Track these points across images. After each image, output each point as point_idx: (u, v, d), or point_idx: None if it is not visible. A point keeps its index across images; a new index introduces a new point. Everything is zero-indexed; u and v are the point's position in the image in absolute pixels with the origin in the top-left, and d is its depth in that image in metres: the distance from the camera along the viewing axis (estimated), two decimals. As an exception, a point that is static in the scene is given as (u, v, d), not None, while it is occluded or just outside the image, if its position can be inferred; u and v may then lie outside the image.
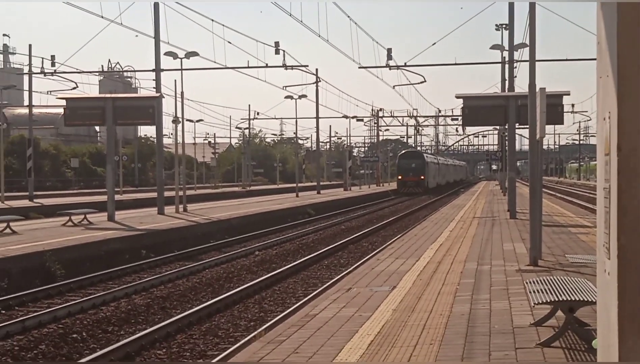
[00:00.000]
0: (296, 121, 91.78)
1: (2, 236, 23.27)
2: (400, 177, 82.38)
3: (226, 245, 27.53)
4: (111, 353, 11.45)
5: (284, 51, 44.84)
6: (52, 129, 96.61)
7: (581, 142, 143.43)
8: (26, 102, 56.72)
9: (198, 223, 30.46)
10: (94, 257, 21.18)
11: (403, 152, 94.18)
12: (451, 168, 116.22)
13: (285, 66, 45.53)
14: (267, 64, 45.77)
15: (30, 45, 50.22)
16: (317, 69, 64.14)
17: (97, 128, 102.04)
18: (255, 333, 12.27)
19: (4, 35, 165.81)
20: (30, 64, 51.25)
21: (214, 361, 10.72)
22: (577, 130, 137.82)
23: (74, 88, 50.82)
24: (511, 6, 32.07)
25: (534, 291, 9.35)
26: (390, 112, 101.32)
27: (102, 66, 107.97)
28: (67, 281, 18.16)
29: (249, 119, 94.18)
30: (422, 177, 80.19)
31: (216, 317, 14.63)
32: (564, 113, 26.28)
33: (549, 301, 8.87)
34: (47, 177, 78.35)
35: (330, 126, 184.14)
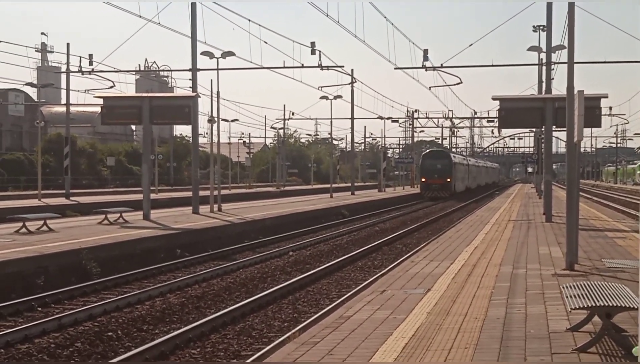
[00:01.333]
0: (331, 121, 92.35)
1: (39, 234, 23.48)
2: (423, 179, 73.31)
3: (260, 245, 27.59)
4: (146, 352, 11.52)
5: (319, 51, 44.78)
6: (89, 127, 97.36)
7: (618, 145, 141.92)
8: (64, 100, 57.34)
9: (232, 222, 30.56)
10: (130, 255, 21.33)
11: (427, 151, 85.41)
12: (483, 170, 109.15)
13: (321, 66, 45.42)
14: (302, 64, 45.72)
15: (68, 44, 50.63)
16: (352, 70, 64.02)
17: (133, 127, 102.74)
18: (289, 333, 12.29)
19: (42, 33, 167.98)
20: (68, 63, 51.66)
21: (248, 361, 10.74)
22: (615, 133, 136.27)
23: (111, 87, 51.14)
24: (549, 7, 31.82)
25: (570, 296, 9.29)
26: (426, 113, 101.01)
27: (139, 65, 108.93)
28: (102, 280, 18.30)
29: (284, 119, 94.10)
30: (449, 180, 71.53)
31: (250, 317, 14.67)
32: (602, 116, 25.99)
33: (585, 306, 8.79)
34: (84, 175, 79.01)
35: (365, 127, 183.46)
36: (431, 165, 72.21)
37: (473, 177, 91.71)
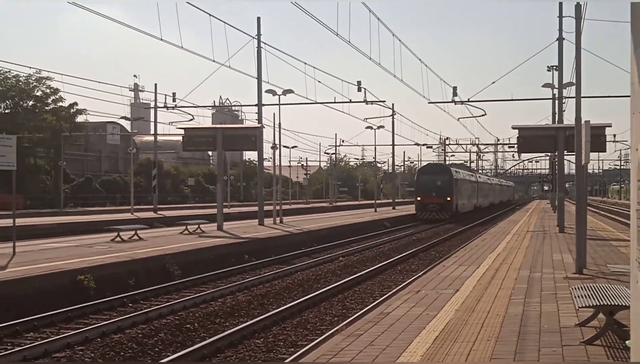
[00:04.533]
0: (375, 148, 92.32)
1: (131, 242, 23.78)
2: (419, 198, 52.71)
3: (315, 251, 27.60)
4: (218, 341, 11.55)
5: (364, 88, 44.83)
6: (173, 153, 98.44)
7: (622, 167, 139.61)
8: (152, 131, 57.99)
9: (291, 233, 30.63)
10: (205, 260, 21.48)
11: (424, 165, 65.17)
12: (497, 187, 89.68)
13: (366, 101, 45.49)
14: (350, 100, 45.92)
15: (155, 85, 51.49)
16: (393, 104, 63.96)
17: (209, 152, 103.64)
18: (338, 327, 12.24)
19: (134, 75, 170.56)
20: (155, 100, 52.54)
21: (287, 360, 10.62)
22: (619, 157, 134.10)
23: (191, 119, 51.80)
24: (560, 50, 31.50)
25: (578, 296, 9.21)
26: (456, 140, 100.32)
27: (214, 101, 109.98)
28: (182, 280, 18.46)
29: (336, 146, 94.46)
30: (449, 199, 51.82)
31: (305, 312, 14.67)
32: (607, 143, 25.61)
33: (592, 305, 8.76)
34: (168, 193, 79.86)
35: (404, 152, 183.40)
36: (428, 182, 52.91)
37: (484, 194, 72.94)
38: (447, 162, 76.13)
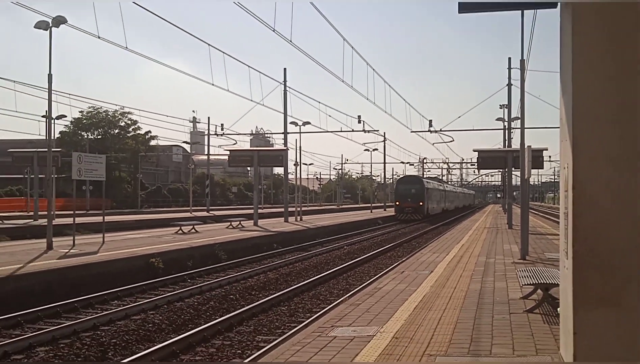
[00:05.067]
0: (371, 165, 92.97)
1: (190, 234, 23.83)
2: (397, 203, 51.09)
3: (326, 241, 27.47)
4: (254, 308, 11.53)
5: (363, 121, 44.82)
6: (221, 168, 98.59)
7: (555, 180, 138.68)
8: (205, 152, 58.17)
9: (308, 228, 30.57)
10: (245, 247, 21.48)
11: (401, 176, 61.61)
12: (460, 195, 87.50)
13: (364, 131, 45.42)
14: (352, 129, 45.71)
15: (208, 117, 52.98)
16: (384, 132, 63.91)
17: (248, 168, 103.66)
18: (342, 298, 12.23)
19: (193, 111, 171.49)
20: (208, 129, 52.69)
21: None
22: (553, 173, 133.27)
23: (234, 143, 51.73)
24: (509, 93, 31.26)
25: (522, 276, 9.18)
26: (431, 160, 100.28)
27: (252, 129, 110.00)
28: (227, 262, 18.45)
29: (342, 163, 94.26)
30: (421, 203, 49.86)
31: (319, 287, 14.65)
32: (544, 162, 25.48)
33: (532, 283, 8.73)
34: (218, 197, 79.88)
35: (392, 168, 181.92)
36: (405, 190, 50.75)
37: (450, 200, 70.54)
38: (425, 176, 72.76)
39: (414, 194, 49.99)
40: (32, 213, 34.19)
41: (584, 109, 3.55)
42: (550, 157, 77.78)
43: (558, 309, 7.54)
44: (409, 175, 61.86)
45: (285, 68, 36.17)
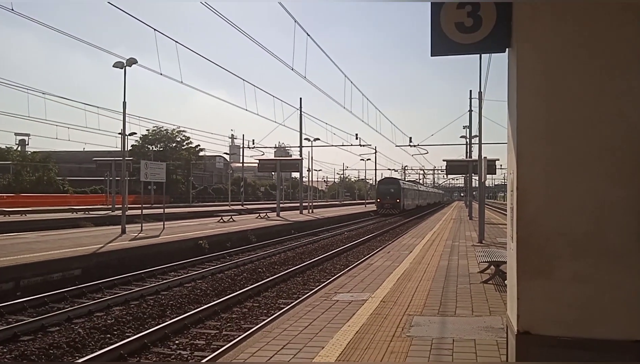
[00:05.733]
0: (365, 171, 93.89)
1: (229, 223, 23.85)
2: (379, 200, 47.78)
3: (331, 229, 27.35)
4: (276, 278, 11.46)
5: (360, 138, 44.95)
6: (252, 173, 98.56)
7: (505, 182, 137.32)
8: (240, 161, 58.35)
9: (318, 218, 30.45)
10: (270, 233, 21.43)
11: (382, 178, 55.52)
12: (432, 194, 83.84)
13: (360, 145, 45.44)
14: (351, 144, 45.96)
15: (243, 134, 53.70)
16: (375, 146, 64.58)
17: (272, 172, 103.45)
18: (343, 272, 12.22)
19: (231, 129, 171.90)
20: (242, 143, 52.86)
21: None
22: (503, 177, 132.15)
23: (262, 154, 51.78)
24: (470, 117, 31.15)
25: (479, 255, 9.14)
26: (411, 167, 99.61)
27: (275, 144, 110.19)
28: (256, 244, 18.39)
29: (343, 169, 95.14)
30: (398, 200, 46.88)
31: (325, 263, 14.61)
32: (497, 169, 25.38)
33: (487, 261, 8.67)
34: (249, 195, 79.97)
35: (382, 174, 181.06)
36: (385, 189, 47.64)
37: (423, 198, 67.41)
38: (406, 179, 70.49)
39: (392, 192, 47.41)
40: (110, 206, 34.45)
41: (525, 128, 3.58)
42: (501, 165, 76.25)
43: (506, 281, 7.56)
44: (388, 177, 58.29)
45: (300, 98, 36.30)
